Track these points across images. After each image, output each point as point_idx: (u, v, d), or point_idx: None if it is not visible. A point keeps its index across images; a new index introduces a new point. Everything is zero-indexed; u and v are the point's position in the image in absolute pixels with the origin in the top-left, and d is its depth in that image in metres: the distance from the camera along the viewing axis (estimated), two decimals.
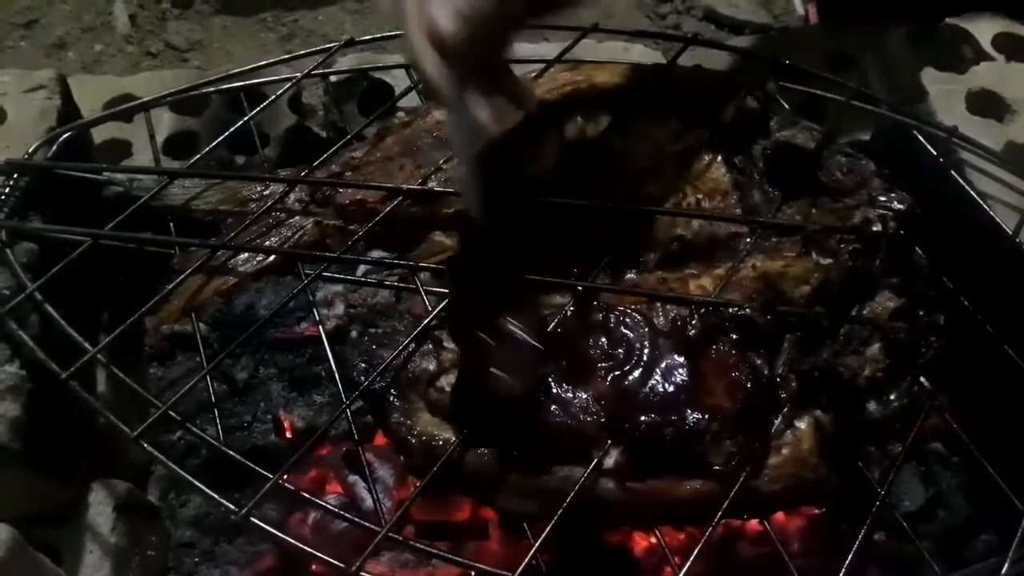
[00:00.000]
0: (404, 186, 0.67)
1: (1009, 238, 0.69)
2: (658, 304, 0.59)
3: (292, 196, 0.70)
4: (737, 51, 0.97)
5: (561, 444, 0.54)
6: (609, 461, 0.54)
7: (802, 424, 0.56)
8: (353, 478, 0.74)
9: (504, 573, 0.50)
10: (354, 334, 0.63)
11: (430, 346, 0.59)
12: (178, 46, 1.52)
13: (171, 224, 0.70)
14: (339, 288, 0.80)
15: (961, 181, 0.75)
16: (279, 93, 0.84)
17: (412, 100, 0.79)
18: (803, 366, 0.57)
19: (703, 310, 0.58)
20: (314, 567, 0.71)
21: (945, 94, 0.82)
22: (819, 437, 0.56)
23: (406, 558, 0.70)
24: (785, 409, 0.56)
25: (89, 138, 0.86)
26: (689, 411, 0.54)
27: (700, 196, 0.66)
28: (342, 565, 0.50)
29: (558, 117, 0.69)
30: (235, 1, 1.57)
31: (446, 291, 0.61)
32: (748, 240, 0.63)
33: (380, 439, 0.71)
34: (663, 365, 0.56)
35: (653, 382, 0.56)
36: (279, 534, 0.53)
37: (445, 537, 0.71)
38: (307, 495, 0.56)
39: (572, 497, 0.52)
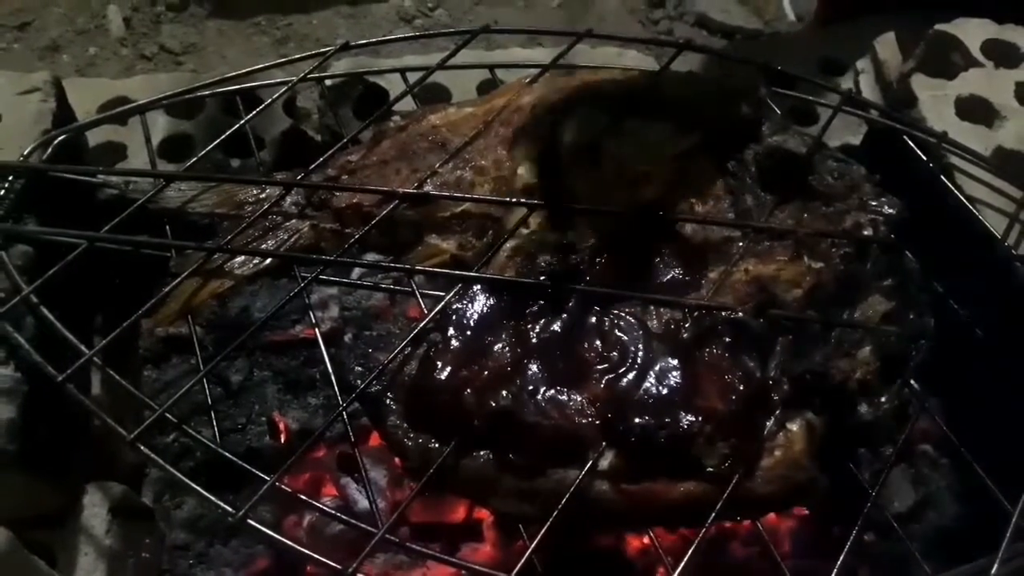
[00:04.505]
0: (400, 189, 0.67)
1: (999, 243, 0.70)
2: (652, 307, 0.60)
3: (288, 199, 0.70)
4: (729, 57, 0.98)
5: (556, 446, 0.55)
6: (604, 463, 0.54)
7: (794, 426, 0.56)
8: (348, 480, 0.74)
9: (499, 575, 0.51)
10: (348, 337, 0.63)
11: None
12: (172, 49, 1.52)
13: (167, 227, 0.70)
14: (333, 291, 0.80)
15: (951, 186, 0.76)
16: (275, 97, 0.84)
17: (407, 104, 0.79)
18: (795, 369, 0.58)
19: (696, 313, 0.59)
20: (309, 569, 0.71)
21: (935, 100, 0.83)
22: (811, 439, 0.56)
23: (401, 560, 0.70)
24: (777, 411, 0.57)
25: (84, 141, 0.86)
26: (682, 413, 0.55)
27: (693, 200, 0.67)
28: (338, 567, 0.50)
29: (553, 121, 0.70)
30: (229, 4, 1.58)
31: (441, 294, 0.61)
32: (741, 244, 0.63)
33: (375, 440, 0.71)
34: (657, 368, 0.57)
35: (647, 385, 0.56)
36: (276, 536, 0.53)
37: (440, 539, 0.71)
38: (303, 497, 0.56)
39: (567, 499, 0.52)
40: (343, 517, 0.54)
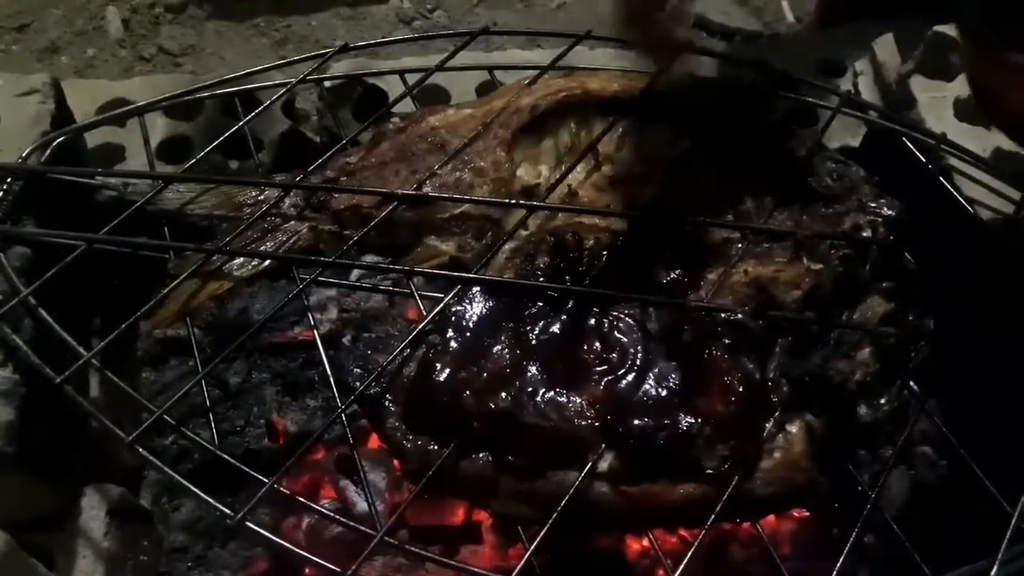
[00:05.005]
0: (399, 191, 0.67)
1: (998, 243, 0.70)
2: (651, 308, 0.60)
3: (287, 201, 0.70)
4: (728, 59, 0.98)
5: (555, 448, 0.55)
6: (603, 465, 0.54)
7: (793, 428, 0.57)
8: (347, 482, 0.74)
9: None
10: (347, 339, 0.63)
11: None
12: (171, 51, 1.52)
13: (165, 228, 0.70)
14: (332, 293, 0.80)
15: (949, 187, 0.76)
16: (274, 99, 0.84)
17: (406, 106, 0.79)
18: (794, 370, 0.58)
19: (695, 315, 0.59)
20: (308, 571, 0.71)
21: (933, 101, 0.84)
22: (810, 441, 0.56)
23: (400, 562, 0.70)
24: (777, 413, 0.57)
25: (83, 143, 0.86)
26: (682, 415, 0.55)
27: (692, 202, 0.67)
28: (337, 569, 0.50)
29: (554, 123, 0.70)
30: (228, 6, 1.58)
31: (440, 296, 0.61)
32: (740, 245, 0.63)
33: (374, 442, 0.71)
34: (656, 369, 0.57)
35: (646, 386, 0.56)
36: (274, 538, 0.54)
37: (439, 541, 0.71)
38: (302, 499, 0.56)
39: (567, 501, 0.52)
40: (342, 519, 0.54)
